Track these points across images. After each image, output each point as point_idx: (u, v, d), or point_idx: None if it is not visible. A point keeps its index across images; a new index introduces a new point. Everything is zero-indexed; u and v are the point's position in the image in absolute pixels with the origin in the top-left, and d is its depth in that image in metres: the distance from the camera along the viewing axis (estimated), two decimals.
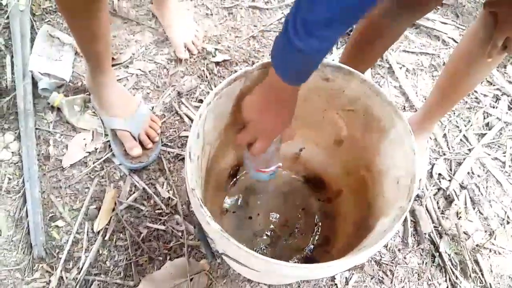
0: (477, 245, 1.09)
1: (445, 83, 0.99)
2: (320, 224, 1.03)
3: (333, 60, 1.30)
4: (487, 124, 1.26)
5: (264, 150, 0.76)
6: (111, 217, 1.03)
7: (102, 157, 1.09)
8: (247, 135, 0.75)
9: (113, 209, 1.04)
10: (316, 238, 1.02)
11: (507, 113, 1.28)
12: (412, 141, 0.71)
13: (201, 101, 1.20)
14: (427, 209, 1.12)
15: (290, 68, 0.62)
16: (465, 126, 1.25)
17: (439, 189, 1.15)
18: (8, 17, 1.25)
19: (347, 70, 0.78)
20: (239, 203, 1.04)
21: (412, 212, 1.11)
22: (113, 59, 1.23)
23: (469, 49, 0.89)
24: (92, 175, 1.07)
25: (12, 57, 1.20)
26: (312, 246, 1.02)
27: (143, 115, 1.09)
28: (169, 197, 1.07)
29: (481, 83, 1.32)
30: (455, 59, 0.94)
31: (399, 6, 0.85)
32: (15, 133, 1.10)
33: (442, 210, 1.13)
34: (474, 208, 1.14)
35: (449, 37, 1.43)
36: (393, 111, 0.75)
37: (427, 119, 1.07)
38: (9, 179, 1.05)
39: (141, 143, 1.08)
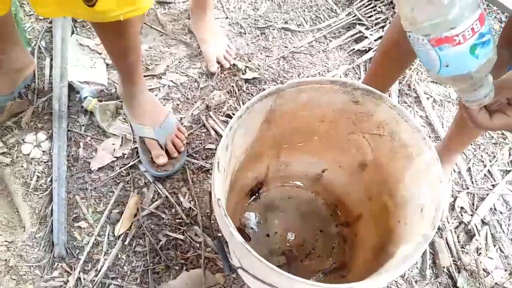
0: (496, 284, 1.07)
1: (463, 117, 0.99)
2: (337, 247, 1.03)
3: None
4: None
5: None
6: (132, 223, 1.05)
7: (129, 163, 1.12)
8: None
9: (135, 215, 1.05)
10: (333, 261, 1.02)
11: None
12: (439, 170, 0.71)
13: (228, 115, 1.23)
14: (447, 242, 1.10)
15: None
16: (490, 161, 1.24)
17: (460, 223, 1.14)
18: (51, 22, 1.31)
19: (377, 94, 0.79)
20: (257, 220, 1.05)
21: (432, 244, 1.10)
22: (147, 69, 1.27)
23: None
24: (118, 179, 1.10)
25: (51, 59, 1.25)
26: (328, 269, 1.01)
27: (170, 125, 1.12)
28: (190, 208, 1.08)
29: None
30: None
31: None
32: (48, 133, 1.14)
33: (462, 245, 1.11)
34: (495, 245, 1.12)
35: None
36: (421, 138, 0.75)
37: (448, 150, 1.07)
38: (38, 177, 1.08)
39: (167, 152, 1.10)
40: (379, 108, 0.80)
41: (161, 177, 1.10)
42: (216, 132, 1.20)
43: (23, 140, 1.12)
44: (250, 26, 1.42)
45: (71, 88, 1.20)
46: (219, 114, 1.23)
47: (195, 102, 1.24)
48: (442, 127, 1.29)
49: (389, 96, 1.32)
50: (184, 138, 1.14)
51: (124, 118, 1.18)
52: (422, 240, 0.65)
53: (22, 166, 1.09)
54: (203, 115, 1.22)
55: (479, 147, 1.26)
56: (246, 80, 1.31)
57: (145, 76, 1.25)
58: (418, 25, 0.41)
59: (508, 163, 1.25)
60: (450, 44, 0.41)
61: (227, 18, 1.43)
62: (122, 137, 1.15)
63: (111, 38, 0.92)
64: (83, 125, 1.16)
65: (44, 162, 1.10)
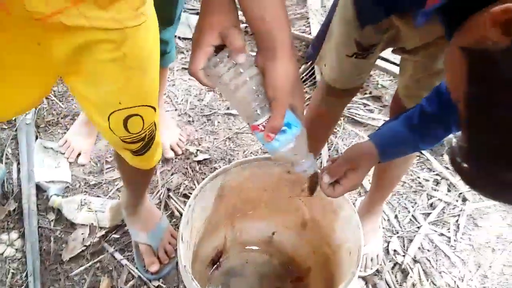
0: None
1: (378, 173, 1.21)
2: None
3: None
4: (431, 205, 1.48)
5: None
6: None
7: (97, 250, 1.23)
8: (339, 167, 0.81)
9: None
10: None
11: (447, 194, 1.50)
12: (357, 219, 0.90)
13: (185, 195, 1.38)
14: (386, 282, 1.27)
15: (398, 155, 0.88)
16: (413, 207, 1.46)
17: (395, 264, 1.32)
18: (16, 130, 1.45)
19: None
20: (221, 287, 1.17)
21: (374, 286, 1.26)
22: (107, 161, 1.42)
23: None
24: (89, 266, 1.20)
25: (18, 164, 1.37)
26: None
27: (163, 229, 1.24)
28: (158, 285, 1.19)
29: (422, 169, 1.56)
30: None
31: (328, 95, 1.07)
32: (20, 231, 1.23)
33: (400, 283, 1.28)
34: (427, 280, 1.30)
35: None
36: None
37: (373, 202, 1.27)
38: (13, 274, 1.16)
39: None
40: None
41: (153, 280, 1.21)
42: (178, 211, 1.34)
43: None
44: (197, 115, 1.63)
45: (39, 187, 1.32)
46: (177, 195, 1.38)
47: (155, 186, 1.39)
48: (369, 183, 1.51)
49: (321, 161, 1.53)
50: (175, 242, 1.23)
51: (89, 208, 1.30)
52: (351, 277, 0.82)
53: None
54: (162, 196, 1.37)
55: (402, 196, 1.48)
56: (198, 162, 1.48)
57: (107, 168, 1.40)
58: (241, 116, 0.58)
59: (427, 206, 1.47)
60: (258, 131, 0.56)
61: (176, 110, 1.64)
62: (89, 226, 1.27)
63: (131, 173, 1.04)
64: (52, 220, 1.27)
65: (18, 259, 1.19)
